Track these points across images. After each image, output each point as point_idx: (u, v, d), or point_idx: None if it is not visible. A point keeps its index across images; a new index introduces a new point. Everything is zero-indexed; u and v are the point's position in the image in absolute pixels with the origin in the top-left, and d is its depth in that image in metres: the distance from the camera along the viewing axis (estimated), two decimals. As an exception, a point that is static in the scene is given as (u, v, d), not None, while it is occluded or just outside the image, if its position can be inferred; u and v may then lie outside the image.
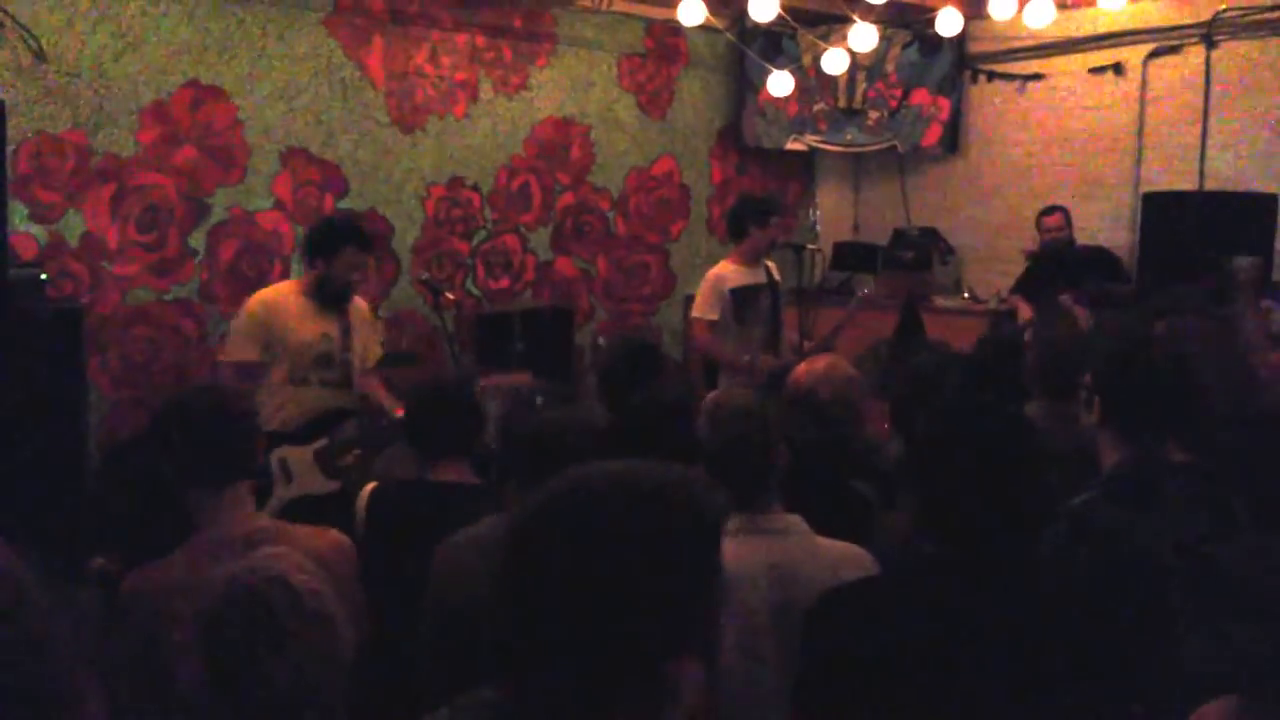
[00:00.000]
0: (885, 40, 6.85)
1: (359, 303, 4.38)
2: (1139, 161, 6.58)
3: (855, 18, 5.85)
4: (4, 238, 4.09)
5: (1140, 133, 6.57)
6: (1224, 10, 6.14)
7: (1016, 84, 7.09)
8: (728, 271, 5.15)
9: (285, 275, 5.57)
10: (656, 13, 6.82)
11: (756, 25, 6.52)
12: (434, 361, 5.78)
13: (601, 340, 6.77)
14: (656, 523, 1.12)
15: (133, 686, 2.10)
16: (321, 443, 4.04)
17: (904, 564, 2.12)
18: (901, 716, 1.74)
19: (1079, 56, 6.76)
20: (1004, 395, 3.05)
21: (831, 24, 6.69)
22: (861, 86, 7.36)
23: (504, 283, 6.68)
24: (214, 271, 5.57)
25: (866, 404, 3.32)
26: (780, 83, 6.55)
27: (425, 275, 5.99)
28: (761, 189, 7.61)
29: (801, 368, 3.38)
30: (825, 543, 2.35)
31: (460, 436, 2.99)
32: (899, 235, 7.35)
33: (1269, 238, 5.48)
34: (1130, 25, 6.50)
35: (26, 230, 5.02)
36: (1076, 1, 6.56)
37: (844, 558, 2.29)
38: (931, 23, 6.15)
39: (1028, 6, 5.73)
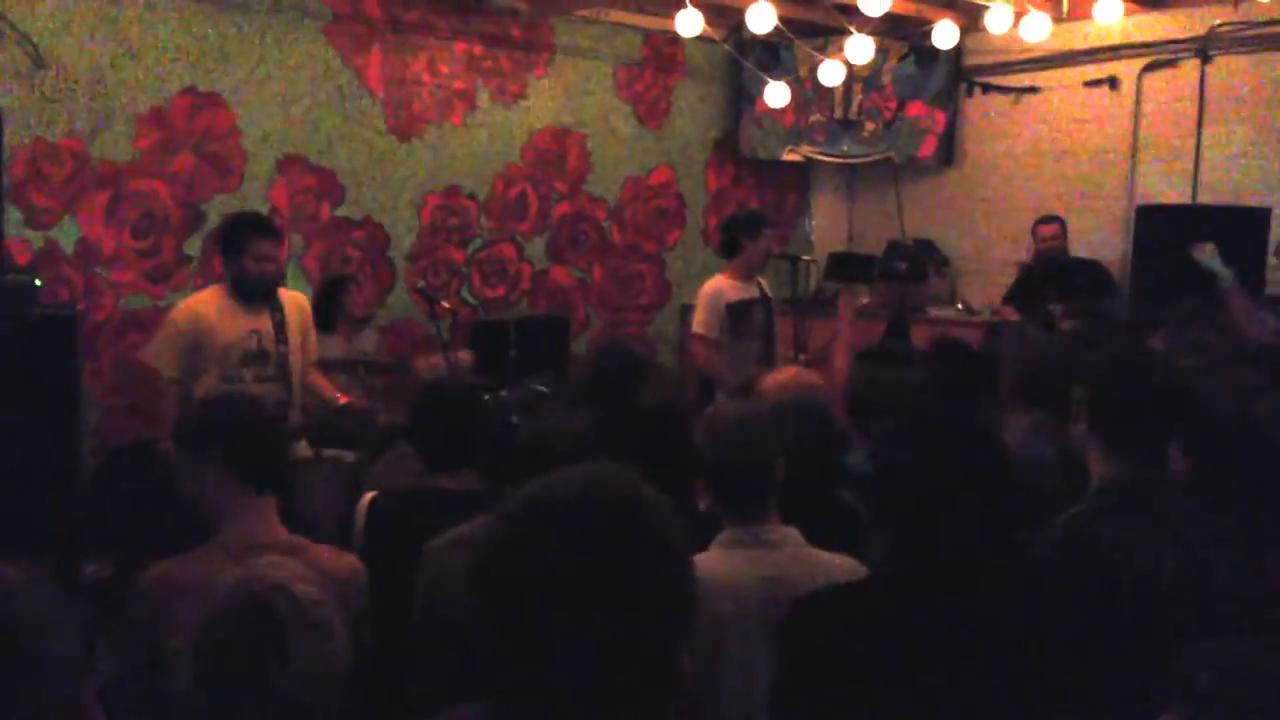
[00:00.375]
0: (881, 52, 6.88)
1: (294, 296, 4.40)
2: (1133, 174, 6.61)
3: (852, 29, 5.86)
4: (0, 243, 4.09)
5: (1135, 146, 6.60)
6: (1219, 25, 6.17)
7: (1012, 96, 7.12)
8: (724, 286, 5.16)
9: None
10: (654, 23, 6.84)
11: (753, 36, 6.54)
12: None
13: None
14: (652, 519, 1.12)
15: (131, 689, 2.10)
16: None
17: (881, 570, 2.13)
18: None
19: (1074, 70, 6.80)
20: (963, 403, 3.06)
21: (828, 35, 6.71)
22: (858, 98, 7.39)
23: (500, 291, 6.68)
24: (209, 278, 5.53)
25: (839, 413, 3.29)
26: (777, 93, 6.57)
27: (421, 283, 5.99)
28: (757, 199, 7.64)
29: (768, 380, 3.38)
30: (820, 555, 2.35)
31: (465, 442, 2.90)
32: (894, 246, 7.36)
33: (1261, 251, 5.50)
34: (1125, 39, 6.54)
35: (21, 236, 5.01)
36: (1072, 15, 6.59)
37: (837, 570, 2.29)
38: (928, 35, 6.17)
39: (1024, 20, 5.75)
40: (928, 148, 7.38)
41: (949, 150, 7.36)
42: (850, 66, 6.42)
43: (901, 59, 7.29)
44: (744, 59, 7.18)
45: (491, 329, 6.04)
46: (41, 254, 5.09)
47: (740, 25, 6.21)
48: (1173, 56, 6.41)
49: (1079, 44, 6.72)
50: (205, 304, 4.19)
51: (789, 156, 7.55)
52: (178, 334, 4.12)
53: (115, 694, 2.05)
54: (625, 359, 3.98)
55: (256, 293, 4.15)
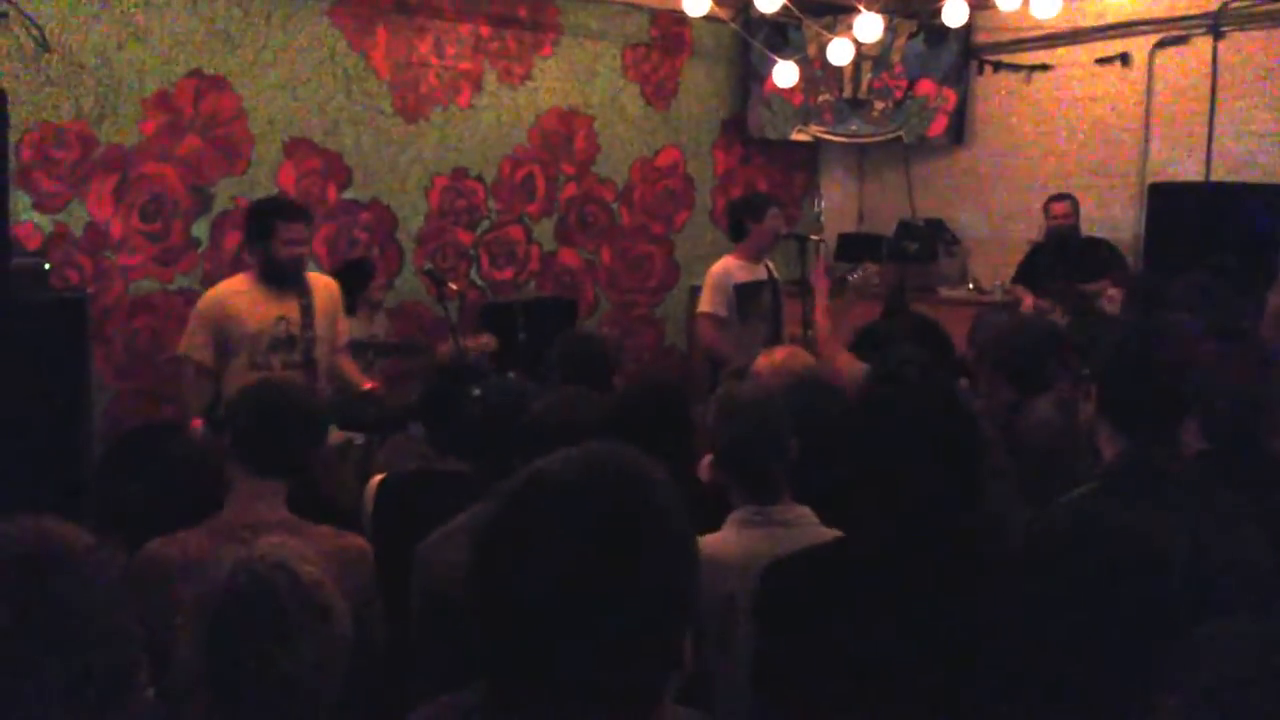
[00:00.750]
0: (891, 30, 6.83)
1: (322, 280, 4.36)
2: (1145, 152, 6.55)
3: (860, 7, 5.82)
4: (7, 228, 4.09)
5: (1147, 123, 6.54)
6: (1231, 1, 6.10)
7: (1023, 74, 7.07)
8: (733, 266, 5.15)
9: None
10: (661, 3, 6.79)
11: (761, 15, 6.49)
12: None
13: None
14: (655, 499, 1.11)
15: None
16: None
17: (851, 534, 2.16)
18: (853, 690, 1.77)
19: (1085, 47, 6.73)
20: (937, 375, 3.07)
21: (837, 14, 6.66)
22: (867, 77, 7.33)
23: (508, 273, 6.67)
24: (218, 262, 5.56)
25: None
26: (785, 73, 6.53)
27: (429, 266, 5.99)
28: (766, 180, 7.60)
29: (761, 360, 3.36)
30: (831, 534, 2.34)
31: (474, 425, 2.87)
32: (904, 226, 7.33)
33: (1276, 228, 5.46)
34: (1137, 16, 6.47)
35: (30, 220, 5.03)
36: (1083, -9, 6.53)
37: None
38: (937, 13, 6.12)
39: (1034, -3, 5.70)
40: (938, 126, 7.33)
41: (959, 129, 7.31)
42: (859, 45, 6.37)
43: (911, 37, 7.23)
44: (752, 38, 7.13)
45: (500, 311, 6.04)
46: (51, 238, 5.10)
47: (748, 4, 6.18)
48: (1185, 33, 6.34)
49: (1090, 21, 6.65)
50: (234, 289, 4.16)
51: (798, 136, 7.51)
52: (207, 323, 4.08)
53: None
54: (584, 345, 3.79)
55: (287, 277, 4.11)
